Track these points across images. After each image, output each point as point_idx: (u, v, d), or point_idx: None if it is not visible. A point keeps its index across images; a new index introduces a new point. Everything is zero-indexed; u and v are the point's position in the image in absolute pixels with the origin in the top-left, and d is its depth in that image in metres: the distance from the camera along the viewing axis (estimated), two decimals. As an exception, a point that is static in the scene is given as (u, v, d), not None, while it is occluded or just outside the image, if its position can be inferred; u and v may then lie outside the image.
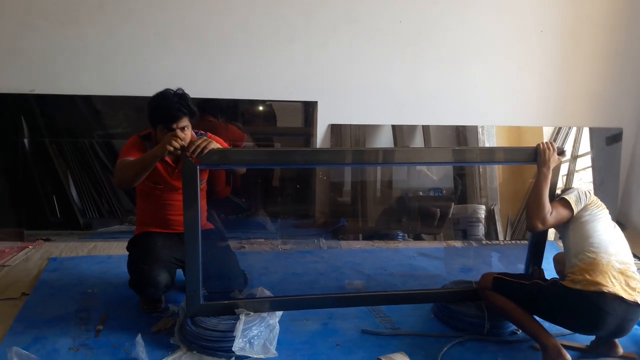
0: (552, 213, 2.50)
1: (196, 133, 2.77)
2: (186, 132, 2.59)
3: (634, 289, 2.26)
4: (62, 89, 3.64)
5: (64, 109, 3.70)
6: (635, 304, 2.24)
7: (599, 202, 2.57)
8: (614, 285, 2.24)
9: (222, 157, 2.41)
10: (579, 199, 2.52)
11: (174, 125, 2.54)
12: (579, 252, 2.40)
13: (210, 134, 2.78)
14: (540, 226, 2.53)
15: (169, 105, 2.56)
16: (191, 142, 2.34)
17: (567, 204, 2.50)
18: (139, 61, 3.61)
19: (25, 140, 3.69)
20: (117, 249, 3.59)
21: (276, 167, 3.80)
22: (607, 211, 2.55)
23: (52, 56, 3.58)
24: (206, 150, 2.33)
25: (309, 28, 3.77)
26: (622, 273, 2.29)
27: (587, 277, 2.28)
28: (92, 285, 3.06)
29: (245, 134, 3.86)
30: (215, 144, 2.39)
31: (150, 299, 2.77)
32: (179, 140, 2.36)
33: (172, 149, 2.35)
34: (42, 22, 3.51)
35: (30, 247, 3.60)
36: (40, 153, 3.72)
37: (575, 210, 2.49)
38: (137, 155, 2.58)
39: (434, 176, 4.11)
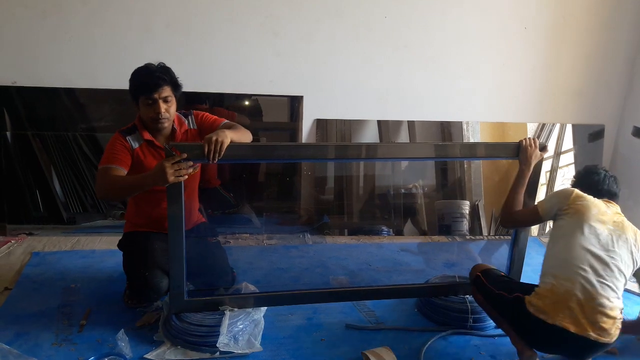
0: (519, 213, 2.51)
1: (182, 113, 2.72)
2: (170, 106, 2.52)
3: (593, 323, 2.09)
4: (45, 81, 3.59)
5: (47, 101, 3.64)
6: (584, 338, 2.09)
7: (591, 207, 2.26)
8: (564, 318, 2.10)
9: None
10: (552, 202, 2.39)
11: (156, 95, 2.45)
12: (546, 272, 2.28)
13: (195, 112, 2.73)
14: (506, 223, 2.56)
15: (150, 74, 2.47)
16: (208, 150, 2.23)
17: (535, 208, 2.45)
18: (123, 54, 3.57)
19: (8, 133, 3.64)
20: (100, 244, 3.57)
21: (261, 162, 3.80)
22: (598, 223, 2.24)
23: (34, 47, 3.53)
24: (225, 147, 2.26)
25: (294, 22, 3.75)
26: (581, 304, 2.10)
27: (540, 303, 2.17)
28: (75, 280, 3.04)
29: (234, 112, 3.83)
30: (228, 136, 2.31)
31: (148, 302, 2.74)
32: (183, 167, 2.24)
33: (175, 181, 2.23)
34: (24, 11, 3.45)
35: (12, 241, 3.56)
36: (22, 146, 3.67)
37: (543, 215, 2.40)
38: (121, 162, 2.47)
39: (418, 172, 4.13)
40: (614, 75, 4.26)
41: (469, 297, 2.75)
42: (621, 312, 2.17)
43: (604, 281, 2.13)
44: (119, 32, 3.57)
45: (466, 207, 4.13)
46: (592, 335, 2.08)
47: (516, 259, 2.81)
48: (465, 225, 4.12)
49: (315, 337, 2.59)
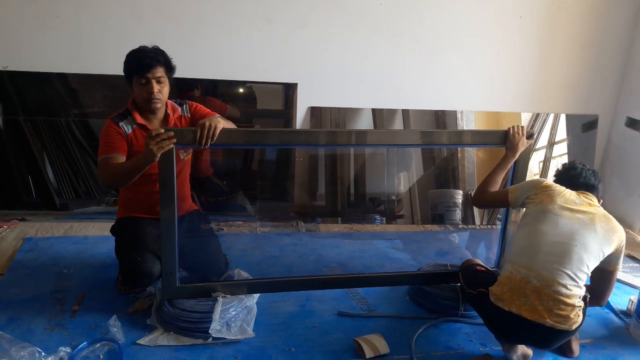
0: (490, 194, 2.56)
1: (176, 102, 2.73)
2: (163, 87, 2.53)
3: (549, 310, 2.09)
4: (37, 66, 3.56)
5: (39, 86, 3.62)
6: (540, 325, 2.10)
7: (557, 197, 2.28)
8: (520, 305, 2.12)
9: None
10: (522, 189, 2.42)
11: (149, 75, 2.47)
12: (507, 259, 2.32)
13: (190, 102, 2.75)
14: (475, 200, 2.65)
15: (143, 54, 2.49)
16: (200, 135, 2.26)
17: (505, 193, 2.48)
18: (115, 39, 3.55)
19: (-1, 119, 3.63)
20: (93, 230, 3.56)
21: (252, 147, 3.78)
22: (563, 212, 2.24)
23: (25, 32, 3.50)
24: (217, 132, 2.29)
25: (288, 9, 3.73)
26: (536, 291, 2.11)
27: (498, 291, 2.21)
28: (68, 266, 3.03)
29: (227, 104, 3.82)
30: (221, 122, 2.34)
31: (141, 288, 2.74)
32: (164, 139, 2.23)
33: (160, 152, 2.23)
34: (15, -3, 3.44)
35: (4, 226, 3.55)
36: (14, 132, 3.65)
37: (511, 200, 2.43)
38: (119, 150, 2.48)
39: (411, 161, 4.14)
40: (608, 65, 4.27)
41: (459, 285, 2.77)
42: (582, 300, 2.15)
43: (562, 268, 2.12)
44: (110, 18, 3.55)
45: (459, 196, 4.14)
46: (549, 322, 2.08)
47: (505, 249, 2.84)
48: (458, 214, 4.14)
49: (308, 323, 2.61)
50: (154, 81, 2.49)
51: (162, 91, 2.53)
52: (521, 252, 2.25)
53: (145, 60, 2.47)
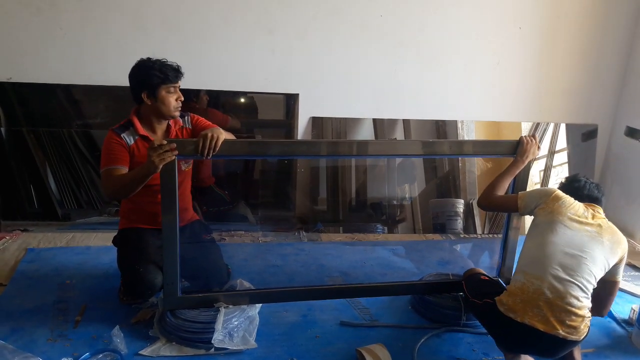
0: (497, 197, 2.55)
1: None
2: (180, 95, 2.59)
3: (561, 322, 2.11)
4: (40, 78, 3.58)
5: (42, 97, 3.64)
6: (553, 336, 2.11)
7: (567, 208, 2.30)
8: (533, 317, 2.13)
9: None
10: (532, 197, 2.42)
11: (179, 83, 2.54)
12: (518, 269, 2.32)
13: (192, 114, 2.78)
14: (482, 202, 2.62)
15: (167, 64, 2.52)
16: (202, 146, 2.27)
17: (514, 198, 2.48)
18: (118, 51, 3.57)
19: (2, 129, 3.64)
20: (95, 240, 3.57)
21: (254, 158, 3.79)
22: (572, 223, 2.26)
23: (29, 44, 3.52)
24: (220, 143, 2.30)
25: (289, 19, 3.75)
26: (549, 303, 2.12)
27: (510, 301, 2.21)
28: (71, 276, 3.04)
29: (228, 116, 3.84)
30: (222, 133, 2.36)
31: (143, 299, 2.75)
32: (166, 150, 2.24)
33: (162, 164, 2.25)
34: (19, 8, 3.45)
35: (7, 237, 3.56)
36: (17, 142, 3.67)
37: (521, 206, 2.44)
38: (121, 161, 2.50)
39: (412, 170, 4.15)
40: (607, 74, 4.29)
41: (462, 295, 2.78)
42: (589, 311, 2.18)
43: (573, 281, 2.14)
44: (113, 29, 3.57)
45: (460, 205, 4.15)
46: (561, 333, 2.10)
47: (507, 258, 2.84)
48: (460, 223, 4.14)
49: (310, 334, 2.61)
50: (177, 88, 2.57)
51: (180, 98, 2.60)
52: (533, 262, 2.25)
53: (173, 70, 2.52)
